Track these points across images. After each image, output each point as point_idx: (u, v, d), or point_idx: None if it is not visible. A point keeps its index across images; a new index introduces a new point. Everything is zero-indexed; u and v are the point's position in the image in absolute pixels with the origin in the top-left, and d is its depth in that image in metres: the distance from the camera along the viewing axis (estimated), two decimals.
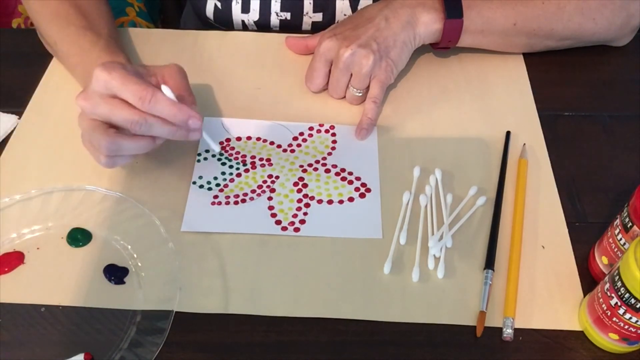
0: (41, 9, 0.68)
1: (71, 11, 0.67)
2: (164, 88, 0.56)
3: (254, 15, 0.79)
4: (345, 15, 0.80)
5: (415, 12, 0.68)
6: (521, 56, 0.76)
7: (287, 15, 0.79)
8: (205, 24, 0.86)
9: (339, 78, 0.67)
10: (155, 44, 0.77)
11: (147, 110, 0.54)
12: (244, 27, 0.81)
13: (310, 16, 0.79)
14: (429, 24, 0.68)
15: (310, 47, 0.74)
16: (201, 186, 0.62)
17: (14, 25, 1.01)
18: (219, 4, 0.80)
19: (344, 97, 0.70)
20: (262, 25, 0.80)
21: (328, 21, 0.80)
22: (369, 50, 0.65)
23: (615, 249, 0.53)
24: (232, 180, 0.63)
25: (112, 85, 0.54)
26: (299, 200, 0.61)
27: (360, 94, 0.68)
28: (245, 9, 0.79)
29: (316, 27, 0.80)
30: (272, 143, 0.67)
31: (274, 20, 0.80)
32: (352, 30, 0.67)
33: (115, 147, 0.55)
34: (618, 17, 0.72)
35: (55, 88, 0.71)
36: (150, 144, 0.57)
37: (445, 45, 0.71)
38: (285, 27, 0.81)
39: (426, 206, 0.61)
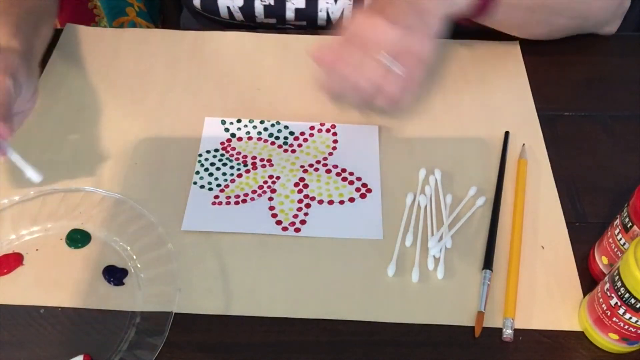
0: None
1: None
2: None
3: (238, 1, 0.80)
4: (328, 3, 0.80)
5: None
6: (520, 56, 0.76)
7: (271, 1, 0.80)
8: (195, 15, 0.87)
9: (369, 50, 0.60)
10: (155, 44, 0.77)
11: None
12: (230, 14, 0.82)
13: (293, 2, 0.80)
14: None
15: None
16: (202, 186, 0.62)
17: None
18: None
19: (352, 75, 0.61)
20: (247, 11, 0.81)
21: (311, 9, 0.81)
22: (410, 22, 0.61)
23: (615, 249, 0.53)
24: (232, 181, 0.63)
25: None
26: (300, 201, 0.61)
27: (389, 64, 0.60)
28: None
29: (299, 15, 0.81)
30: (272, 143, 0.66)
31: (258, 6, 0.80)
32: (391, 7, 0.62)
33: None
34: None
35: (54, 88, 0.71)
36: None
37: (474, 16, 0.67)
38: (269, 13, 0.81)
39: (426, 207, 0.61)
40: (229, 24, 0.83)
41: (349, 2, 0.80)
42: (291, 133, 0.67)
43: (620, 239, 0.52)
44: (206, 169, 0.64)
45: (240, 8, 0.81)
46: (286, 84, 0.73)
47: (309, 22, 0.82)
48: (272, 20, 0.82)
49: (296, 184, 0.63)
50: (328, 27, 0.82)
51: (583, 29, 0.76)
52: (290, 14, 0.81)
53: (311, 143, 0.67)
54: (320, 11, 0.81)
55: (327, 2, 0.80)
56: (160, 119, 0.68)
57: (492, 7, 0.66)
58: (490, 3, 0.66)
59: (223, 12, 0.82)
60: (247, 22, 0.82)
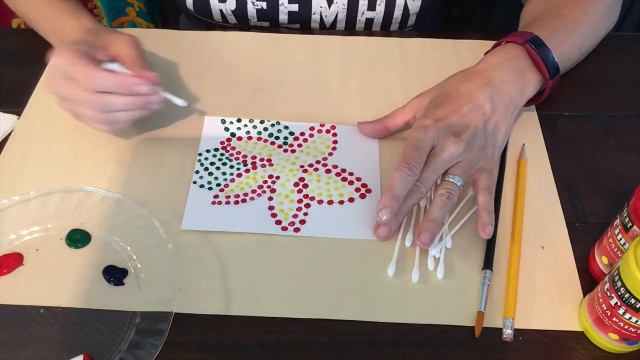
0: None
1: None
2: (113, 65, 0.62)
3: (230, 4, 0.80)
4: (321, 7, 0.80)
5: (521, 90, 0.64)
6: None
7: (263, 5, 0.80)
8: (189, 17, 0.87)
9: (436, 169, 0.58)
10: (155, 44, 0.77)
11: (92, 89, 0.59)
12: (223, 17, 0.82)
13: (286, 6, 0.80)
14: (533, 92, 0.66)
15: (392, 128, 0.66)
16: (201, 186, 0.62)
17: (14, 25, 1.01)
18: None
19: (419, 196, 0.58)
20: (240, 15, 0.81)
21: (304, 12, 0.81)
22: (479, 143, 0.60)
23: (615, 249, 0.53)
24: (232, 180, 0.63)
25: (64, 71, 0.59)
26: (299, 201, 0.61)
27: (461, 184, 0.58)
28: None
29: (293, 18, 0.81)
30: (272, 143, 0.66)
31: (251, 9, 0.80)
32: (457, 115, 0.60)
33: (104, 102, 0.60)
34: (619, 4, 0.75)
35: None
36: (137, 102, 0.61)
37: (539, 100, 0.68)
38: (262, 16, 0.81)
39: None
40: (222, 27, 0.83)
41: (343, 6, 0.80)
42: (291, 133, 0.67)
43: (620, 239, 0.52)
44: (206, 169, 0.64)
45: (233, 11, 0.81)
46: (286, 84, 0.73)
47: (302, 25, 0.82)
48: (266, 24, 0.82)
49: (296, 184, 0.63)
50: (321, 30, 0.82)
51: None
52: (283, 16, 0.81)
53: (311, 143, 0.67)
54: (314, 14, 0.81)
55: (321, 6, 0.80)
56: (160, 119, 0.68)
57: (558, 82, 0.67)
58: (556, 81, 0.67)
59: (216, 15, 0.82)
60: (241, 25, 0.82)
